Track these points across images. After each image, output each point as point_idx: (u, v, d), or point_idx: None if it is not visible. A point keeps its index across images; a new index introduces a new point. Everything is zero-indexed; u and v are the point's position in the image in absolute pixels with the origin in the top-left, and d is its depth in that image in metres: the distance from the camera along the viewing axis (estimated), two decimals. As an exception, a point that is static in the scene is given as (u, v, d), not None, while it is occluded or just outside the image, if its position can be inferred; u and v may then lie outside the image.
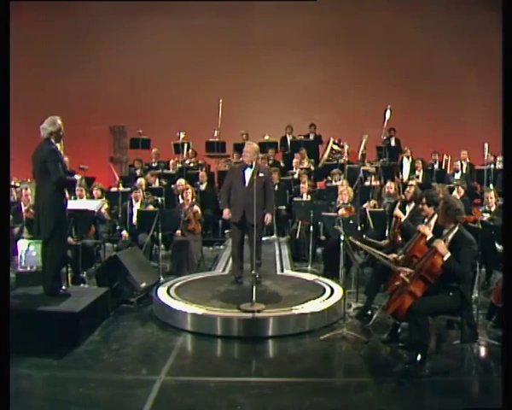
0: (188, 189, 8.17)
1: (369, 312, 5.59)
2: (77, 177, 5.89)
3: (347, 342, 4.97)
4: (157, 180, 10.26)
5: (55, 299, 5.14)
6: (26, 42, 12.67)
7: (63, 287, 5.47)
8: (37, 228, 5.22)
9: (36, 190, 5.26)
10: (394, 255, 5.01)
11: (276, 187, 9.99)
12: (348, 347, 4.89)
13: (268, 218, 6.25)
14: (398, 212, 6.38)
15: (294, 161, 11.40)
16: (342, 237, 5.25)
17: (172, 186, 9.78)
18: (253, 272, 5.48)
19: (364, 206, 7.79)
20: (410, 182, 7.65)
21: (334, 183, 9.72)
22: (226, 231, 9.60)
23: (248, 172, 6.19)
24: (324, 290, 6.00)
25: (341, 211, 7.25)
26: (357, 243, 5.25)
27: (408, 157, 11.37)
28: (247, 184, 6.15)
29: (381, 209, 7.51)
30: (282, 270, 7.39)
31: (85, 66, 13.45)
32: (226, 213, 6.43)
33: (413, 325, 4.31)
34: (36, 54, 13.27)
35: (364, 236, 6.42)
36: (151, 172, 10.42)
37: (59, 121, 5.21)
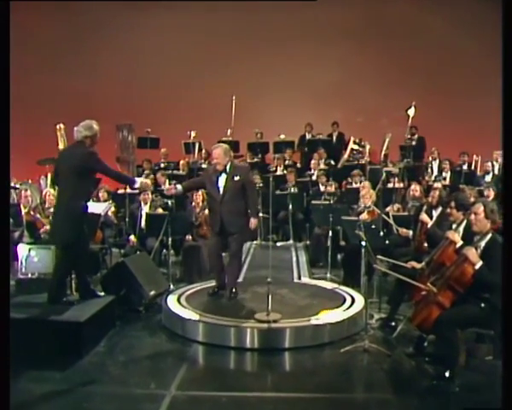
0: (199, 190, 8.13)
1: (393, 323, 5.53)
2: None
3: (369, 355, 4.91)
4: (167, 181, 10.26)
5: (57, 308, 5.16)
6: (29, 40, 12.80)
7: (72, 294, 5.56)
8: (54, 233, 5.23)
9: (59, 194, 5.27)
10: (414, 263, 4.95)
11: (293, 189, 9.96)
12: (370, 360, 4.84)
13: (252, 223, 5.96)
14: (423, 216, 6.29)
15: (313, 162, 11.36)
16: (363, 243, 5.20)
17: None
18: (269, 279, 5.41)
19: (387, 209, 7.73)
20: (435, 184, 7.55)
21: (354, 185, 9.69)
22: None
23: (222, 179, 5.91)
24: (344, 300, 5.97)
25: (363, 215, 7.18)
26: (383, 268, 5.20)
27: (435, 158, 11.24)
28: (221, 192, 5.91)
29: (406, 213, 7.45)
30: (300, 277, 7.38)
31: (90, 62, 13.56)
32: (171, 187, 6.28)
33: (440, 338, 4.24)
34: (39, 52, 13.42)
35: (387, 241, 6.34)
36: (161, 172, 10.40)
37: (95, 126, 5.29)
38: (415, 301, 4.63)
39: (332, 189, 9.44)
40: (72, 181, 5.12)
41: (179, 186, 6.20)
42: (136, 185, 5.70)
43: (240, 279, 6.91)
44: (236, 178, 5.89)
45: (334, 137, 12.71)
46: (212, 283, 6.74)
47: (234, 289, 6.05)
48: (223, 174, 5.92)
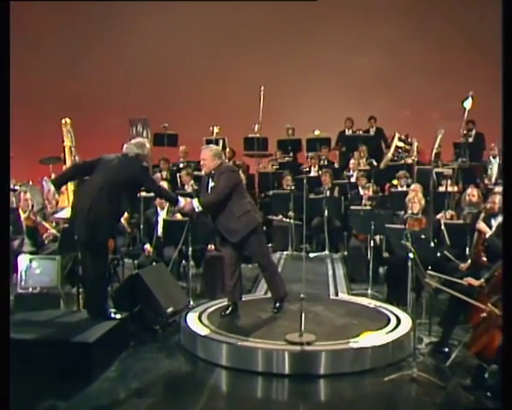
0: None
1: (446, 349, 5.42)
2: None
3: (418, 385, 4.81)
4: (192, 182, 10.27)
5: (61, 327, 5.19)
6: (31, 33, 12.98)
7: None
8: (88, 231, 5.36)
9: (94, 195, 5.39)
10: (471, 279, 4.82)
11: (328, 192, 9.89)
12: (419, 392, 4.73)
13: (185, 204, 5.86)
14: (481, 225, 6.15)
15: (352, 161, 11.27)
16: (411, 255, 5.12)
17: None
18: (302, 295, 5.37)
19: (439, 217, 7.63)
20: (496, 188, 7.40)
21: (399, 188, 9.59)
22: (269, 245, 9.54)
23: (210, 185, 6.01)
24: (388, 320, 5.90)
25: (410, 222, 7.07)
26: (434, 284, 5.09)
27: (495, 157, 10.99)
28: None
29: (461, 221, 7.34)
30: (337, 293, 7.39)
31: (101, 51, 13.71)
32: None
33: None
34: (40, 44, 13.59)
35: (438, 254, 6.23)
36: (187, 171, 10.40)
37: (148, 145, 5.84)
38: (472, 324, 4.56)
39: (370, 192, 9.32)
40: (116, 188, 5.43)
41: (195, 203, 5.93)
42: (180, 205, 5.89)
43: (268, 294, 6.87)
44: (211, 184, 5.94)
45: (372, 133, 12.62)
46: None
47: (279, 303, 6.10)
48: (210, 179, 5.98)
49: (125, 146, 5.73)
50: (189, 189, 9.77)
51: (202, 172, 10.88)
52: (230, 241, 5.92)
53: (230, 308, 6.10)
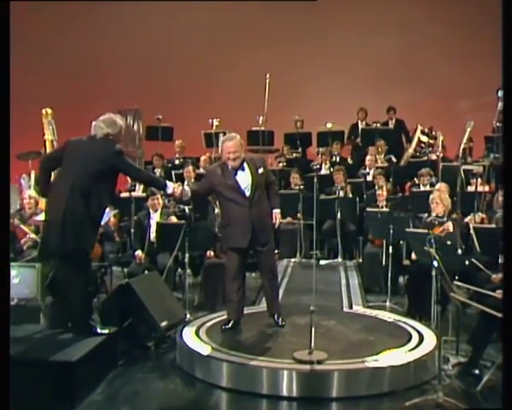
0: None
1: (477, 371, 5.37)
2: None
3: (444, 411, 4.79)
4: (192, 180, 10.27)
5: (43, 344, 5.15)
6: (15, 20, 12.95)
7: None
8: (64, 243, 5.23)
9: (68, 196, 5.25)
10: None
11: (341, 192, 9.87)
12: (445, 418, 4.72)
13: (278, 216, 6.12)
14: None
15: (368, 157, 11.25)
16: (435, 263, 5.07)
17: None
18: (311, 307, 5.33)
19: (467, 220, 7.62)
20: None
21: (422, 187, 9.59)
22: (276, 251, 9.52)
23: (245, 177, 5.92)
24: (410, 337, 5.86)
25: (434, 226, 7.03)
26: (461, 297, 5.11)
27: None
28: (247, 192, 5.89)
29: (492, 226, 7.27)
30: (351, 306, 7.37)
31: (87, 37, 13.69)
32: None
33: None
34: (21, 29, 13.58)
35: (467, 262, 6.18)
36: (193, 166, 10.43)
37: (120, 121, 5.53)
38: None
39: (388, 192, 9.26)
40: (90, 182, 5.23)
41: (187, 188, 6.07)
42: (169, 191, 5.79)
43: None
44: (261, 171, 5.96)
45: (391, 126, 12.60)
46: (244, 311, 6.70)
47: (282, 314, 6.16)
48: (240, 172, 5.92)
49: (93, 125, 5.45)
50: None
51: (201, 170, 11.11)
52: (263, 240, 5.95)
53: (232, 322, 6.09)
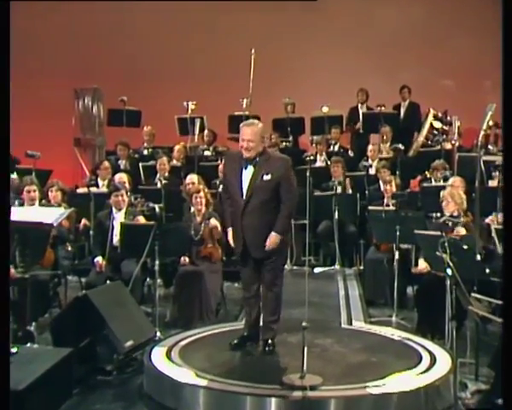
0: (201, 191, 8.08)
1: (500, 400, 5.33)
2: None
3: (461, 447, 4.82)
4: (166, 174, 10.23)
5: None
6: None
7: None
8: None
9: None
10: None
11: (339, 188, 9.86)
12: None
13: (270, 240, 5.89)
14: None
15: (370, 147, 11.26)
16: (449, 271, 5.07)
17: (181, 187, 9.80)
18: (304, 323, 5.33)
19: (488, 220, 7.64)
20: None
21: (434, 182, 9.61)
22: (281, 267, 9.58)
23: (248, 174, 5.94)
24: (420, 358, 5.87)
25: (449, 228, 7.03)
26: (481, 312, 5.14)
27: None
28: (244, 195, 5.92)
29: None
30: (350, 321, 7.40)
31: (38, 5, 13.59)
32: (231, 236, 6.21)
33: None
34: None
35: (487, 270, 6.19)
36: (162, 157, 10.41)
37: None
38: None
39: (394, 187, 9.26)
40: None
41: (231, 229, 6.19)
42: None
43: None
44: (267, 178, 5.86)
45: (403, 111, 12.64)
46: (220, 329, 6.69)
47: (270, 340, 6.06)
48: (249, 167, 5.91)
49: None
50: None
51: (175, 162, 11.08)
52: (257, 256, 5.95)
53: (241, 337, 6.17)
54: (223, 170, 6.55)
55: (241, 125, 6.07)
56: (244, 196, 5.88)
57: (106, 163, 10.51)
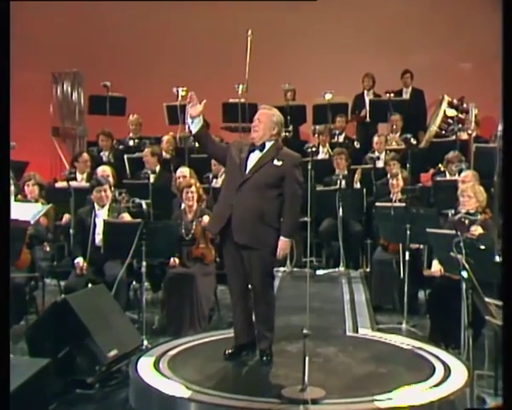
0: (192, 185, 8.06)
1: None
2: None
3: None
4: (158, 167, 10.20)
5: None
6: None
7: None
8: None
9: None
10: None
11: (344, 183, 9.86)
12: None
13: (281, 245, 5.91)
14: None
15: (376, 138, 11.26)
16: (465, 274, 5.07)
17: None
18: (305, 331, 5.32)
19: (508, 218, 7.53)
20: None
21: (449, 175, 9.62)
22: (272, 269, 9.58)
23: (256, 156, 6.01)
24: (433, 369, 5.86)
25: (464, 226, 7.02)
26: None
27: None
28: (247, 170, 5.97)
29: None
30: (356, 329, 7.39)
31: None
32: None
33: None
34: None
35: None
36: (152, 149, 10.47)
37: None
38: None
39: (399, 181, 9.22)
40: None
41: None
42: None
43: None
44: (278, 163, 5.91)
45: (407, 96, 12.67)
46: (213, 337, 6.68)
47: (268, 350, 6.06)
48: (257, 151, 5.98)
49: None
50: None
51: (164, 154, 11.05)
52: (242, 241, 5.89)
53: (233, 347, 6.14)
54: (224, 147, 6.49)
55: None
56: (247, 172, 5.90)
57: (85, 155, 10.50)
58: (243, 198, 5.83)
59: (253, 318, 6.13)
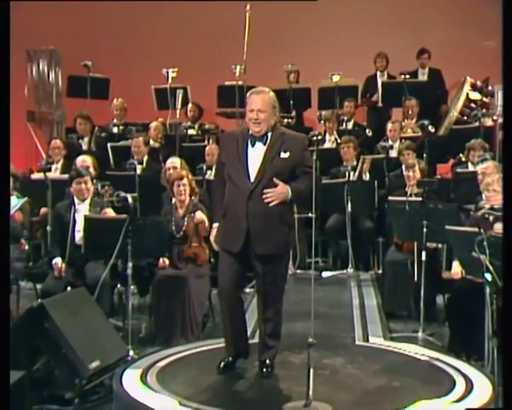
0: (184, 177, 8.05)
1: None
2: None
3: None
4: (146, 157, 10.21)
5: None
6: None
7: None
8: None
9: None
10: None
11: (353, 174, 9.90)
12: None
13: (278, 188, 5.83)
14: None
15: (390, 125, 11.25)
16: (488, 276, 5.11)
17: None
18: (310, 339, 5.33)
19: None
20: None
21: (471, 166, 9.61)
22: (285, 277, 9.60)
23: (257, 153, 5.94)
24: (453, 383, 5.86)
25: (488, 223, 7.00)
26: None
27: None
28: (252, 175, 5.87)
29: None
30: (367, 337, 7.40)
31: None
32: (214, 233, 6.23)
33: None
34: None
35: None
36: (143, 137, 10.49)
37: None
38: None
39: (415, 173, 9.21)
40: None
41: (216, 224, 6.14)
42: None
43: (255, 339, 6.79)
44: (285, 156, 5.87)
45: (424, 77, 12.66)
46: (206, 347, 6.72)
47: (269, 360, 6.04)
48: (258, 144, 5.91)
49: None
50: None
51: (152, 143, 11.06)
52: (264, 251, 5.87)
53: (227, 359, 6.10)
54: (220, 152, 6.44)
55: (248, 93, 6.08)
56: (252, 178, 5.83)
57: (56, 141, 10.50)
58: (256, 207, 5.79)
59: (259, 326, 6.16)
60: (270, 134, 5.90)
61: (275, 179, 5.79)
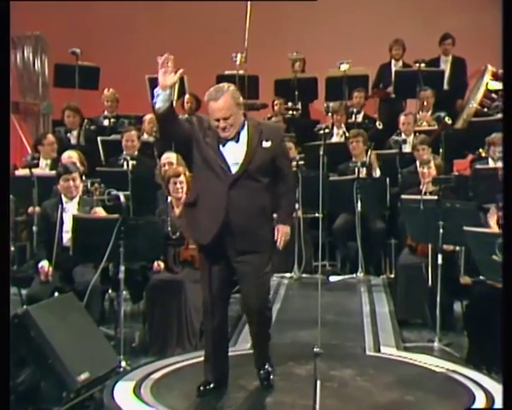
0: (180, 174, 8.05)
1: None
2: None
3: None
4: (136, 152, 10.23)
5: None
6: None
7: None
8: None
9: None
10: None
11: (362, 171, 9.91)
12: None
13: (280, 232, 5.95)
14: None
15: (403, 117, 11.23)
16: None
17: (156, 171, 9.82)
18: (316, 349, 5.31)
19: None
20: None
21: (491, 162, 9.63)
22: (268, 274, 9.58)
23: (234, 149, 5.86)
24: (473, 397, 5.85)
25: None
26: None
27: None
28: (232, 168, 5.82)
29: None
30: (378, 347, 7.38)
31: None
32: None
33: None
34: None
35: None
36: (136, 130, 10.54)
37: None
38: None
39: (430, 169, 9.19)
40: None
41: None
42: None
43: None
44: (267, 145, 5.84)
45: (446, 68, 12.61)
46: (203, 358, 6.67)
47: (268, 366, 6.04)
48: (231, 143, 5.82)
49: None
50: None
51: (145, 137, 11.05)
52: (246, 248, 5.83)
53: (209, 384, 6.00)
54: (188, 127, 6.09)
55: (205, 97, 5.89)
56: (232, 169, 5.79)
57: (50, 137, 10.50)
58: (240, 197, 5.74)
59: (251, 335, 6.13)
60: (245, 128, 5.86)
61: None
